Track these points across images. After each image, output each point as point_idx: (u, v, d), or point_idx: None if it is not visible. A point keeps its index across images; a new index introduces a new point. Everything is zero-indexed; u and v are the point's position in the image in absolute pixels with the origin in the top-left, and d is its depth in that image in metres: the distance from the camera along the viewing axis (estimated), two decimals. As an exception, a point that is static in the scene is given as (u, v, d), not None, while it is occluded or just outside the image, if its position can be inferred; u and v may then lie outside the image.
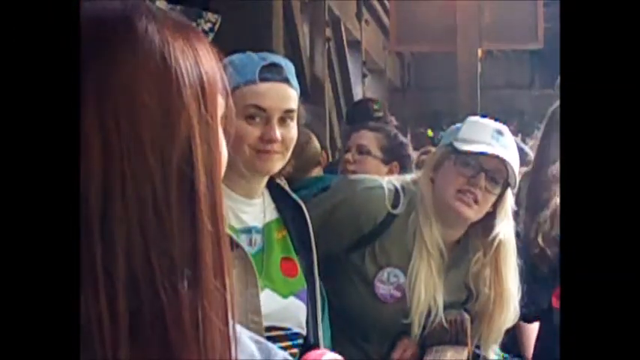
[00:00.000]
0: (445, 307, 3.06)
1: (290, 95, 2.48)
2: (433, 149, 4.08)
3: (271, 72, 2.46)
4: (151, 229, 0.92)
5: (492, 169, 2.97)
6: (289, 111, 2.46)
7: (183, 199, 0.94)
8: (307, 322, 2.52)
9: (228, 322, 0.98)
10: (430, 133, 9.74)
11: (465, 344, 3.01)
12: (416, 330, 3.01)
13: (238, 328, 1.08)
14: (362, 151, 4.29)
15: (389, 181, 3.15)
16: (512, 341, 3.48)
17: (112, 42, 0.94)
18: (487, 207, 3.00)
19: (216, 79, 1.00)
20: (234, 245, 2.33)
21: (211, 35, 2.73)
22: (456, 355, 2.92)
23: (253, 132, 2.41)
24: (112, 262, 0.91)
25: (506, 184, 3.01)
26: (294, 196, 2.62)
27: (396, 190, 3.08)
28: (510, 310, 3.08)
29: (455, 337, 3.02)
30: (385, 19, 10.72)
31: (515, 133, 5.01)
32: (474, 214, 2.99)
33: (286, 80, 2.48)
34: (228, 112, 1.04)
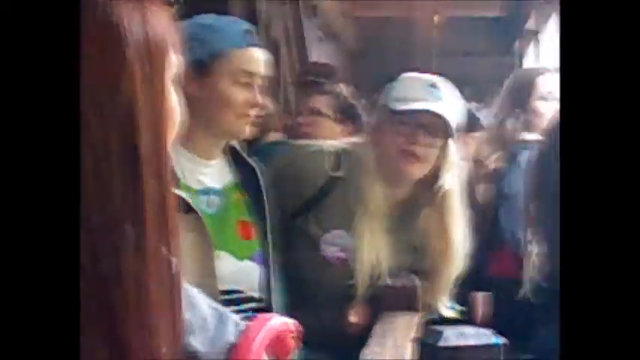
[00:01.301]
0: (395, 269, 3.07)
1: (267, 60, 2.50)
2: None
3: (252, 37, 2.49)
4: (90, 189, 0.91)
5: (430, 124, 2.96)
6: (266, 77, 2.49)
7: (125, 159, 0.94)
8: (262, 286, 2.54)
9: (174, 285, 0.98)
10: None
11: (416, 310, 3.02)
12: (360, 292, 3.02)
13: (195, 293, 1.09)
14: (314, 112, 4.31)
15: (330, 144, 3.15)
16: (462, 294, 3.50)
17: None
18: (431, 161, 3.01)
19: (165, 37, 1.00)
20: (190, 208, 2.33)
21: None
22: (407, 320, 2.93)
23: (240, 97, 2.43)
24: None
25: (447, 136, 3.02)
26: (248, 159, 2.63)
27: (337, 153, 3.09)
28: (457, 260, 3.08)
29: (406, 303, 3.03)
30: (343, -17, 10.70)
31: (469, 100, 5.04)
32: (418, 170, 3.00)
33: (260, 45, 2.51)
34: (182, 71, 1.03)
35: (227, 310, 1.19)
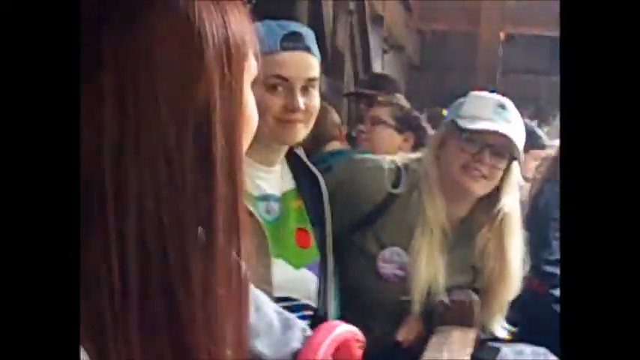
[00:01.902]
0: (452, 288, 3.06)
1: (312, 63, 2.47)
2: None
3: (292, 41, 2.45)
4: (163, 191, 0.91)
5: (496, 144, 2.97)
6: (311, 79, 2.45)
7: (199, 161, 0.93)
8: (317, 295, 2.53)
9: (242, 288, 0.97)
10: (444, 112, 9.69)
11: (472, 326, 3.00)
12: (416, 308, 3.02)
13: (262, 297, 1.08)
14: (375, 121, 4.31)
15: (391, 160, 3.14)
16: (519, 315, 3.48)
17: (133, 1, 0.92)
18: (494, 181, 3.00)
19: (245, 41, 0.98)
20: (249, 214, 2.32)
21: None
22: (462, 335, 2.92)
23: (276, 102, 2.40)
24: (123, 223, 0.89)
25: (512, 158, 3.00)
26: (311, 167, 2.61)
27: (398, 169, 3.08)
28: (513, 282, 3.08)
29: (462, 318, 3.02)
30: (409, -4, 10.69)
31: (531, 118, 5.01)
32: (481, 188, 2.99)
33: (307, 48, 2.47)
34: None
35: (294, 316, 1.18)
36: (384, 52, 10.29)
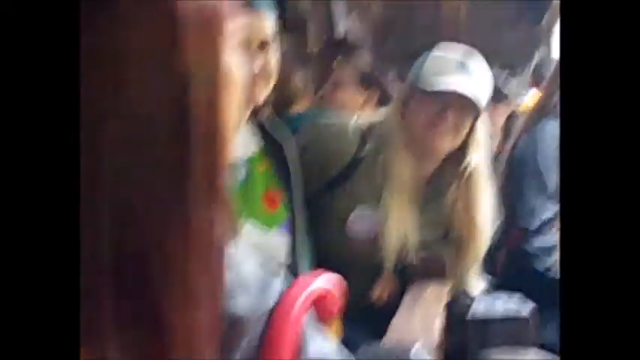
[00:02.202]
0: (424, 245, 3.07)
1: (263, 25, 2.44)
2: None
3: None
4: (139, 168, 0.88)
5: (458, 103, 2.98)
6: (265, 41, 2.42)
7: (177, 136, 0.89)
8: (289, 255, 2.52)
9: (216, 250, 0.95)
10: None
11: (445, 279, 3.02)
12: (389, 266, 3.02)
13: (240, 254, 1.07)
14: (338, 81, 4.31)
15: (355, 121, 3.14)
16: (496, 267, 3.50)
17: None
18: (459, 138, 3.01)
19: (221, 3, 0.94)
20: None
21: None
22: (437, 290, 2.93)
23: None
24: (96, 200, 0.86)
25: (476, 114, 3.00)
26: (273, 133, 2.60)
27: (362, 130, 3.08)
28: (484, 236, 3.11)
29: (435, 273, 3.04)
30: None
31: (502, 69, 5.00)
32: (446, 145, 3.00)
33: (257, 9, 2.44)
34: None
35: (274, 273, 1.15)
36: (347, 13, 10.24)
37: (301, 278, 1.20)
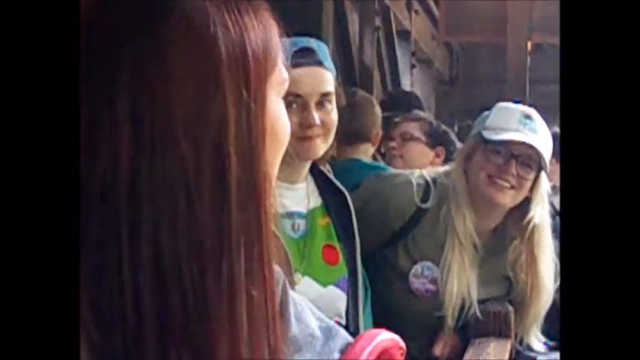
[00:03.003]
0: (487, 300, 3.04)
1: (325, 78, 2.45)
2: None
3: (303, 56, 2.43)
4: (180, 217, 0.86)
5: (523, 155, 2.96)
6: (326, 94, 2.43)
7: (218, 185, 0.88)
8: (347, 312, 2.50)
9: (274, 301, 0.93)
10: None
11: (508, 336, 2.99)
12: (449, 323, 3.00)
13: (304, 304, 1.06)
14: (406, 137, 4.30)
15: (419, 175, 3.13)
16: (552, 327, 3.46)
17: (148, 15, 0.88)
18: (523, 193, 2.99)
19: (267, 55, 0.92)
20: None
21: None
22: (498, 347, 2.90)
23: (292, 119, 2.40)
24: (138, 255, 0.85)
25: (539, 168, 2.99)
26: (337, 183, 2.60)
27: (426, 183, 3.07)
28: (546, 294, 3.07)
29: (498, 330, 3.01)
30: (435, 10, 10.66)
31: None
32: (509, 199, 2.98)
33: (319, 63, 2.45)
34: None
35: (335, 324, 1.15)
36: (413, 66, 10.27)
37: (366, 334, 1.20)
